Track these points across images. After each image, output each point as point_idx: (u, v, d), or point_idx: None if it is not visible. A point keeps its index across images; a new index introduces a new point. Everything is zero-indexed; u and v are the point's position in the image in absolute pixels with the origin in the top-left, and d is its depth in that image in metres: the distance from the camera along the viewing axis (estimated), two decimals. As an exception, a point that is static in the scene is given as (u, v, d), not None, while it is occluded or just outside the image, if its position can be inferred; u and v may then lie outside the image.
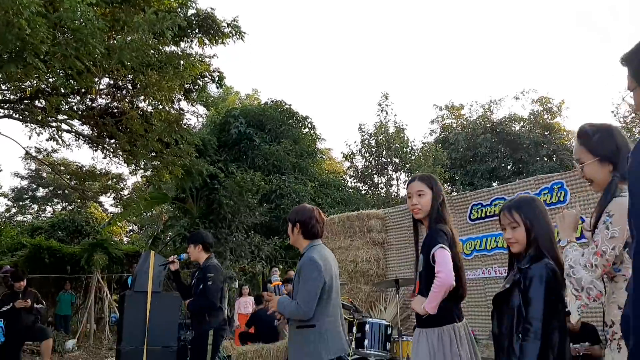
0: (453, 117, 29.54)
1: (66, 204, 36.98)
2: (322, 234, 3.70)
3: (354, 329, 5.59)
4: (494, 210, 8.87)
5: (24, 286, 8.67)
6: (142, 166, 12.01)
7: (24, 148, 25.19)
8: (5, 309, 8.30)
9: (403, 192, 22.05)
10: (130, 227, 35.22)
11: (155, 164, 11.60)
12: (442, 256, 2.89)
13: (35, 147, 20.55)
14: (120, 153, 10.47)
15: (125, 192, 31.41)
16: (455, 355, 2.89)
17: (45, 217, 35.13)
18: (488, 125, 26.60)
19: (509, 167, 26.03)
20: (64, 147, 11.22)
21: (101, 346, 12.10)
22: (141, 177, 21.89)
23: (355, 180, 22.92)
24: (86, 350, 11.45)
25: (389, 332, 5.67)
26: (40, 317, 8.87)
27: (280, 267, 15.38)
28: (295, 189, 17.22)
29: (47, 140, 10.56)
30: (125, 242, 27.39)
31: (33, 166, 35.95)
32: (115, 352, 10.69)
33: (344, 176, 24.16)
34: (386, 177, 21.80)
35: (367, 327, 5.57)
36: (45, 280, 14.94)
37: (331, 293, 3.48)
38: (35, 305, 8.57)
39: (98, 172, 18.05)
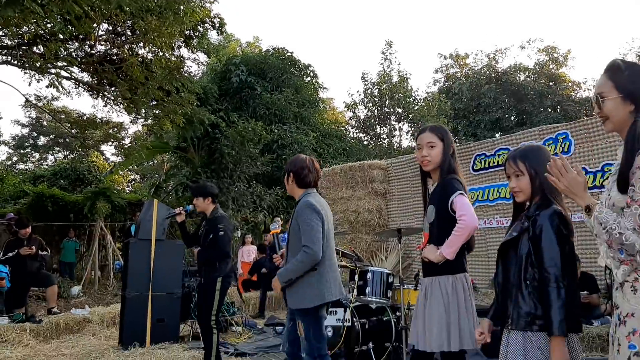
0: (457, 66, 29.13)
1: (67, 152, 36.98)
2: (316, 184, 3.80)
3: (356, 276, 5.64)
4: (498, 161, 8.84)
5: (28, 233, 8.73)
6: (143, 115, 11.90)
7: (23, 95, 24.98)
8: (11, 255, 8.39)
9: (406, 143, 21.99)
10: (132, 176, 35.33)
11: (157, 113, 11.50)
12: (463, 201, 2.91)
13: (35, 95, 20.30)
14: (121, 101, 10.34)
15: (127, 141, 31.46)
16: (468, 303, 2.92)
17: (46, 165, 35.18)
18: (493, 75, 26.25)
19: (512, 118, 25.83)
20: (64, 94, 11.09)
21: (106, 292, 12.30)
22: (142, 125, 21.78)
23: (357, 131, 22.79)
24: (91, 296, 11.64)
25: (390, 280, 5.72)
26: (45, 263, 8.98)
27: (282, 217, 15.44)
28: (297, 139, 17.15)
29: (46, 87, 10.40)
30: (128, 191, 27.47)
31: (33, 114, 35.77)
32: (120, 298, 10.92)
33: (346, 126, 24.01)
34: (389, 127, 21.68)
35: (368, 275, 5.62)
36: (49, 228, 15.04)
37: (329, 238, 3.61)
38: (39, 252, 8.66)
39: (99, 120, 17.90)
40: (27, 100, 18.08)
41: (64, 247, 14.33)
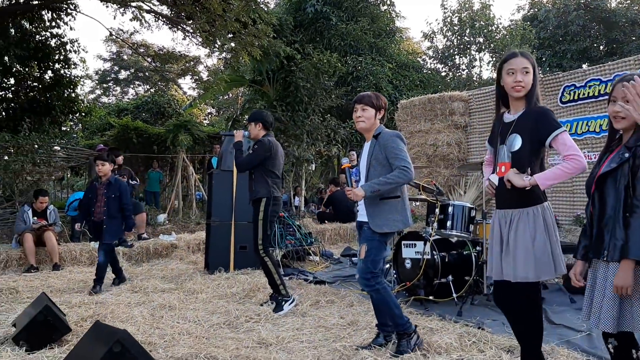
0: (544, -9, 27.17)
1: (147, 86, 38.18)
2: None
3: (437, 210, 5.59)
4: (588, 93, 8.33)
5: (119, 163, 9.18)
6: (220, 47, 11.96)
7: (107, 29, 25.75)
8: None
9: (486, 74, 21.10)
10: (209, 110, 36.12)
11: (233, 45, 11.52)
12: (570, 140, 2.83)
13: (119, 29, 20.83)
14: (200, 33, 10.40)
15: (203, 75, 31.99)
16: (554, 233, 2.86)
17: (127, 99, 36.54)
18: (582, 1, 24.31)
19: (601, 48, 24.07)
20: (145, 27, 11.26)
21: (189, 221, 12.85)
22: (218, 59, 21.98)
23: (434, 62, 22.05)
24: (176, 224, 12.20)
25: (472, 214, 5.63)
26: (134, 192, 9.47)
27: (356, 150, 15.37)
28: (372, 70, 16.79)
29: (130, 20, 10.62)
30: (205, 124, 28.20)
31: (114, 49, 36.95)
32: (203, 226, 11.41)
33: (423, 57, 23.23)
34: (468, 57, 20.82)
35: (450, 209, 5.54)
36: (135, 159, 15.78)
37: None
38: (129, 181, 9.11)
39: (178, 53, 18.18)
40: (110, 34, 18.58)
41: (148, 178, 15.03)
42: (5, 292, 5.75)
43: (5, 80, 13.08)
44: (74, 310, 4.99)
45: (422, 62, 22.10)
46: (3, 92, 13.17)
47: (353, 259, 8.00)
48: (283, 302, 4.97)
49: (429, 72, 20.88)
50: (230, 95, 30.76)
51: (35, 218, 7.91)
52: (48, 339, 3.93)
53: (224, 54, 16.04)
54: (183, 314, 4.86)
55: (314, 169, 16.32)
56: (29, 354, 3.75)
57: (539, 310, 2.93)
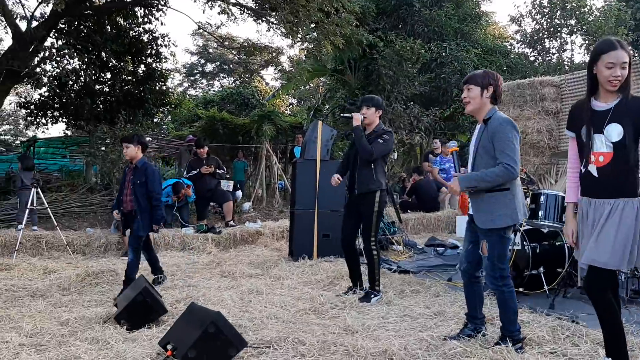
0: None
1: (231, 78, 39.26)
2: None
3: (528, 199, 5.37)
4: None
5: (206, 152, 9.52)
6: (302, 38, 12.07)
7: (196, 23, 26.66)
8: (193, 174, 9.25)
9: (578, 58, 20.03)
10: (290, 100, 36.61)
11: (316, 35, 11.60)
12: None
13: (207, 22, 21.50)
14: (283, 24, 10.55)
15: (285, 66, 32.47)
16: None
17: (213, 91, 37.74)
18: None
19: None
20: (230, 20, 11.54)
21: (272, 209, 13.14)
22: (300, 49, 22.19)
23: (522, 46, 21.17)
24: (260, 212, 12.51)
25: (565, 204, 5.37)
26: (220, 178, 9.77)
27: (440, 139, 15.05)
28: (458, 56, 16.35)
29: (218, 13, 10.94)
30: (287, 114, 28.63)
31: (201, 42, 38.27)
32: (286, 214, 11.62)
33: (510, 42, 22.36)
34: (559, 41, 19.83)
35: (542, 198, 5.32)
36: (221, 149, 16.28)
37: None
38: (217, 171, 9.44)
39: (261, 44, 18.53)
40: (199, 27, 19.21)
41: (234, 167, 15.45)
42: (106, 274, 6.13)
43: (103, 75, 13.86)
44: (169, 293, 5.25)
45: (509, 47, 21.27)
46: (100, 86, 13.97)
47: (438, 249, 7.87)
48: (372, 296, 4.95)
49: (517, 57, 20.06)
50: (311, 85, 31.03)
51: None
52: (146, 318, 4.15)
53: (305, 44, 16.19)
54: (270, 299, 4.98)
55: (395, 157, 16.15)
56: (129, 332, 3.98)
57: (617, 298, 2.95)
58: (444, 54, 16.63)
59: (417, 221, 10.17)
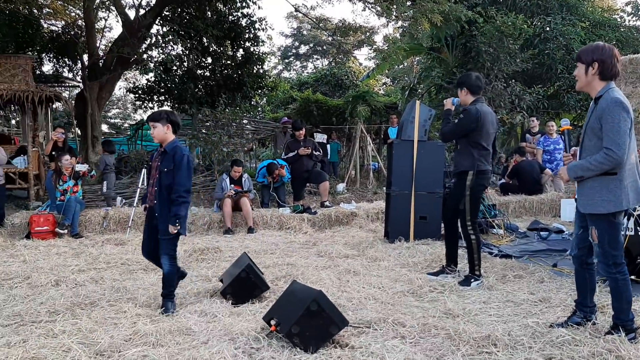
0: None
1: (325, 60, 39.49)
2: (616, 77, 3.32)
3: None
4: None
5: (303, 134, 9.65)
6: (399, 15, 11.85)
7: (292, 5, 27.02)
8: (291, 155, 9.43)
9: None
10: (384, 80, 36.23)
11: (411, 13, 11.35)
12: None
13: (302, 4, 21.70)
14: (380, 3, 10.40)
15: (379, 45, 32.11)
16: None
17: (307, 73, 38.14)
18: None
19: None
20: (326, 1, 11.54)
21: (366, 190, 13.13)
22: (394, 28, 21.83)
23: (634, 19, 19.54)
24: (354, 193, 12.55)
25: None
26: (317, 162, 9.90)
27: (538, 118, 14.28)
28: (563, 31, 15.38)
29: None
30: (380, 94, 28.37)
31: (295, 25, 38.74)
32: (380, 196, 11.58)
33: (620, 14, 20.72)
34: (678, 11, 18.12)
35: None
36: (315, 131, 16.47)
37: (630, 139, 3.18)
38: (314, 152, 9.55)
39: (356, 25, 18.42)
40: (295, 9, 19.42)
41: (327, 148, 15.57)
42: (210, 250, 6.42)
43: (204, 60, 14.40)
44: (269, 270, 5.41)
45: (619, 20, 19.72)
46: (202, 71, 14.53)
47: (542, 233, 7.53)
48: (472, 280, 4.84)
49: (628, 30, 18.55)
50: (405, 64, 30.50)
51: (232, 185, 8.68)
52: (250, 294, 4.31)
53: (400, 23, 15.87)
54: (367, 280, 5.00)
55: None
56: (234, 306, 4.15)
57: None
58: (547, 28, 15.70)
59: (519, 204, 9.77)
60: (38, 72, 14.39)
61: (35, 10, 14.69)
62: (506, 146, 17.42)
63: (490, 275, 5.11)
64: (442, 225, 5.27)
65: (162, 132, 4.25)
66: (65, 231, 7.73)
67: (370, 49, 34.92)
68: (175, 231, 4.06)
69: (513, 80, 14.13)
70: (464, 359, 3.07)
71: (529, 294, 4.45)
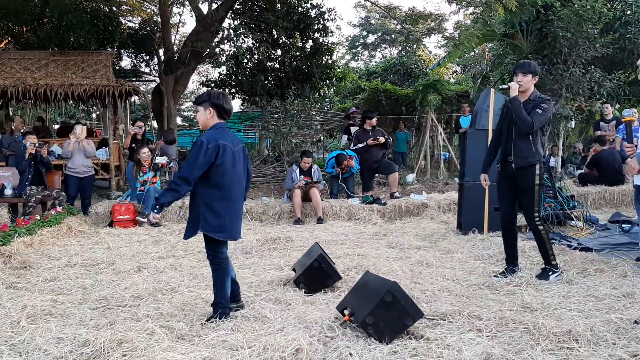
0: None
1: (393, 48, 39.07)
2: None
3: None
4: None
5: (374, 124, 9.60)
6: (472, 1, 11.54)
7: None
8: (360, 146, 9.41)
9: None
10: (454, 68, 35.46)
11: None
12: None
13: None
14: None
15: (447, 32, 31.42)
16: None
17: (375, 62, 37.85)
18: None
19: None
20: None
21: (437, 181, 12.92)
22: (464, 15, 21.25)
23: None
24: (424, 184, 12.37)
25: None
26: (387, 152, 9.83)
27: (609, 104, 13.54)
28: (647, 12, 14.50)
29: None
30: (451, 83, 27.77)
31: (362, 14, 38.53)
32: (451, 186, 11.39)
33: None
34: None
35: None
36: (383, 120, 16.33)
37: None
38: (387, 140, 9.50)
39: (426, 11, 18.09)
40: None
41: (396, 138, 15.43)
42: (282, 240, 6.53)
43: (273, 52, 14.59)
44: (340, 260, 5.45)
45: None
46: (272, 63, 14.73)
47: (624, 225, 7.16)
48: (550, 273, 4.67)
49: None
50: (477, 51, 29.68)
51: (302, 176, 8.79)
52: (322, 284, 4.36)
53: (471, 9, 15.44)
54: (441, 272, 4.94)
55: (573, 126, 14.92)
56: (307, 295, 4.22)
57: None
58: (629, 12, 14.83)
59: (599, 195, 9.35)
60: (117, 67, 15.03)
61: (115, 8, 15.35)
62: (584, 135, 16.67)
63: (569, 269, 4.93)
64: (502, 224, 5.02)
65: (204, 117, 3.73)
66: (145, 220, 8.07)
67: (442, 36, 34.25)
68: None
69: (592, 67, 13.46)
70: (543, 354, 2.98)
71: (611, 289, 4.26)
